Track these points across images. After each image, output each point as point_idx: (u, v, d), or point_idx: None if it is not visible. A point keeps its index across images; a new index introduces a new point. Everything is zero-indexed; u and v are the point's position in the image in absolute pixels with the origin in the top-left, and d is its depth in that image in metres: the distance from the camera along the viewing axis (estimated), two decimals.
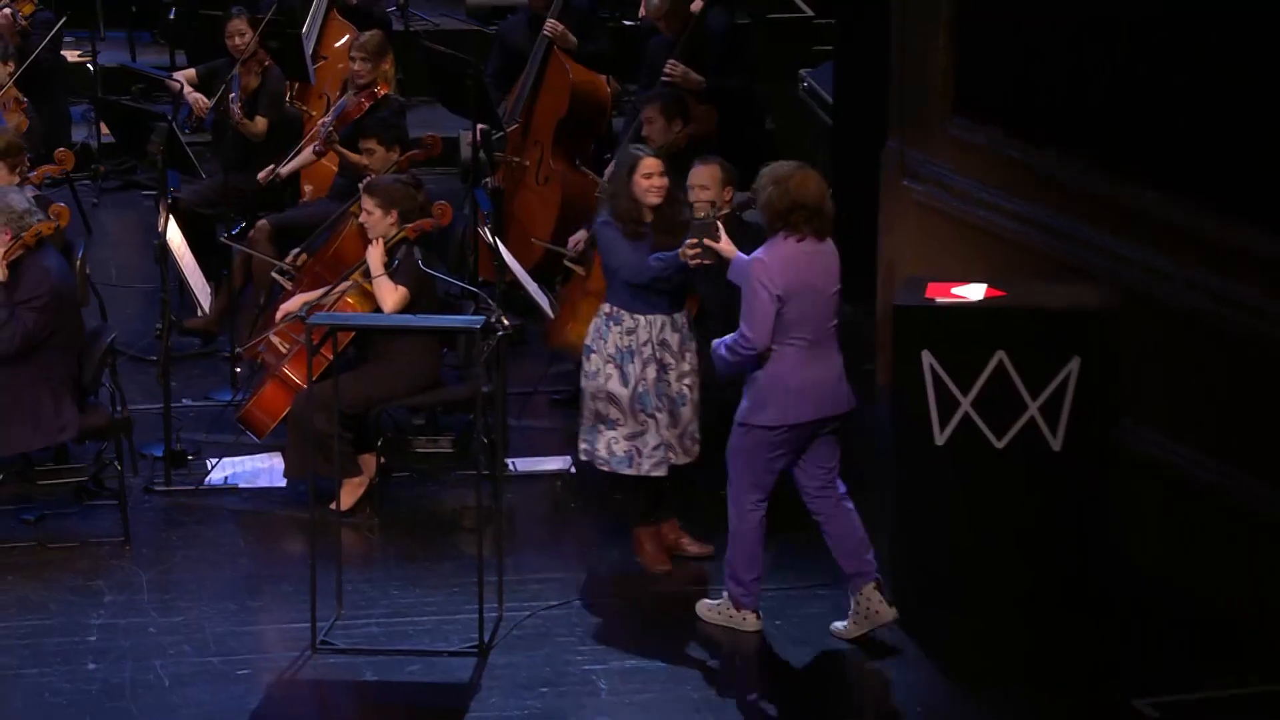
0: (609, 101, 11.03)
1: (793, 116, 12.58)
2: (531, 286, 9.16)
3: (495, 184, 10.60)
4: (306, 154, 10.62)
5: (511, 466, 9.03)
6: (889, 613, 7.51)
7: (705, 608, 7.73)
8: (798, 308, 7.33)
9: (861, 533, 7.55)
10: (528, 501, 8.80)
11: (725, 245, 7.51)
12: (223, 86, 10.64)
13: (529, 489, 8.89)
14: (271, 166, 10.53)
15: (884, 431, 8.45)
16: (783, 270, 7.31)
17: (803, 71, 12.31)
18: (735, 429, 7.50)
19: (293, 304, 8.94)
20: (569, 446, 9.17)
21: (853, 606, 7.57)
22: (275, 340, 9.12)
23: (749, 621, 7.64)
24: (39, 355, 8.24)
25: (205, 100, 10.85)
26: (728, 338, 7.43)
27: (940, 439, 7.59)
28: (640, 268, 7.88)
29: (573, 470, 8.99)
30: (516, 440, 9.23)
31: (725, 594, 7.67)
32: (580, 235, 9.76)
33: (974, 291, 7.72)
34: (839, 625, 7.61)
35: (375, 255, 8.69)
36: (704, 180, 8.41)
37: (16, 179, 9.23)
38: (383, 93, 10.45)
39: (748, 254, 7.93)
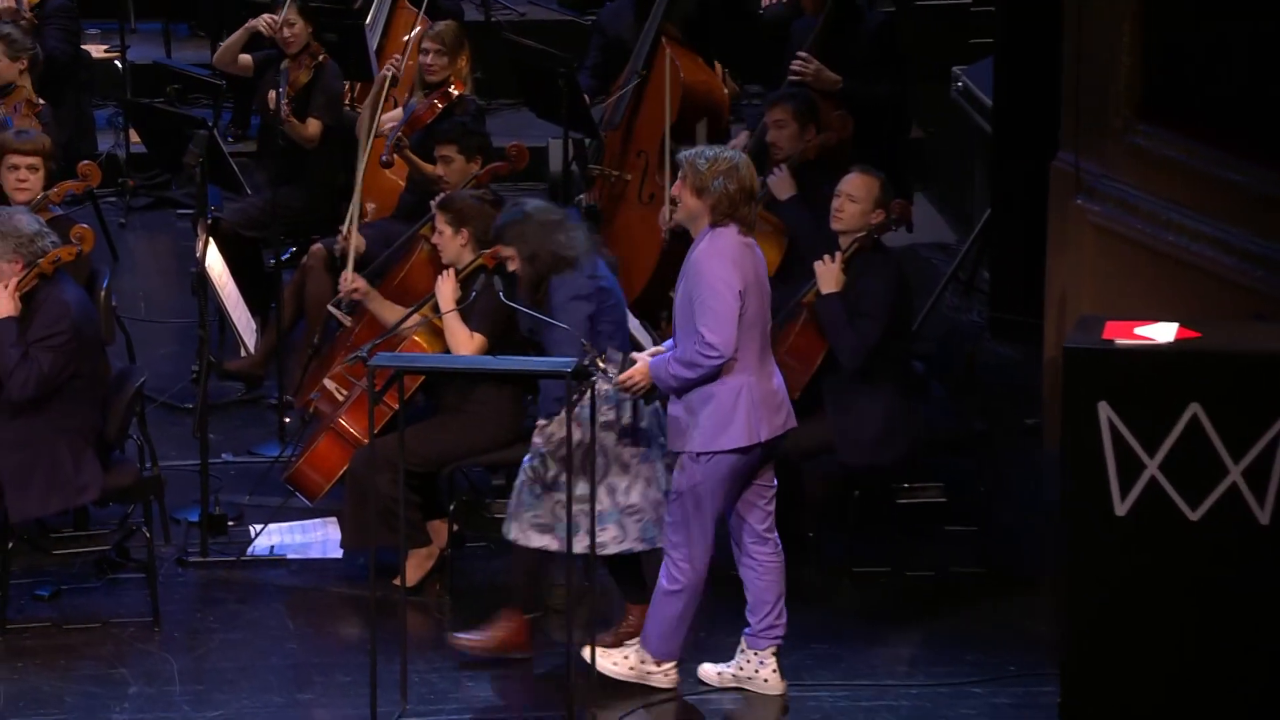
0: (726, 105, 11.02)
1: (944, 123, 12.54)
2: (633, 323, 9.15)
3: (590, 202, 10.60)
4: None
5: None
6: (778, 685, 7.79)
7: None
8: (754, 306, 7.56)
9: (783, 588, 7.78)
10: None
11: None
12: (270, 82, 10.67)
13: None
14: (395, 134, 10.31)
15: (1050, 498, 8.37)
16: (737, 264, 7.51)
17: (956, 69, 12.27)
18: (687, 461, 7.58)
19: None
20: None
21: (739, 660, 7.82)
22: (331, 386, 9.15)
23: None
24: (56, 403, 8.30)
25: (271, 17, 10.68)
26: (669, 355, 7.58)
27: (1121, 509, 7.52)
28: None
29: None
30: None
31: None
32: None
33: (1162, 332, 7.66)
34: (709, 666, 7.86)
35: (446, 289, 8.70)
36: (859, 191, 8.64)
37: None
38: (458, 93, 10.49)
39: (879, 284, 8.02)
